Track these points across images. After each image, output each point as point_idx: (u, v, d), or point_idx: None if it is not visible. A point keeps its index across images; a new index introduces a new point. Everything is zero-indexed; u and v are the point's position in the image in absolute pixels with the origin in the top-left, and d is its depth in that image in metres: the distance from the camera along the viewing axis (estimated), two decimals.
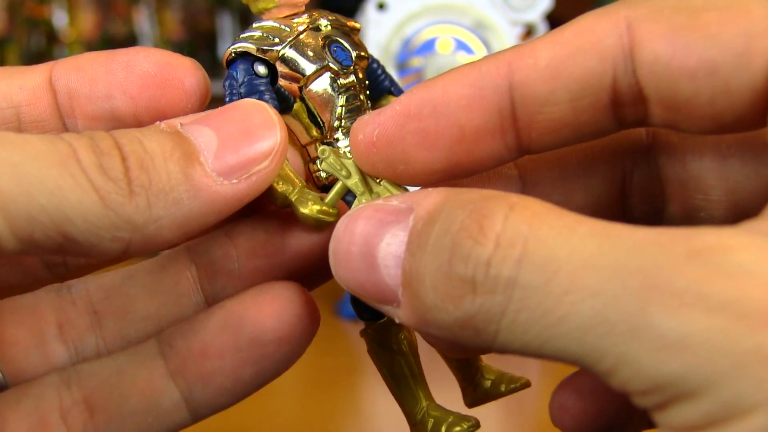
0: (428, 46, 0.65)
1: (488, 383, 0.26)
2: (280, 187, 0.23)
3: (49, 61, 0.25)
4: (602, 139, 0.24)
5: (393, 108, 0.23)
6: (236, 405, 0.25)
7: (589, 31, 0.21)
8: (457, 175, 0.23)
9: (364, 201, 0.23)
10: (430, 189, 0.20)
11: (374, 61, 0.28)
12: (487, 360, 0.27)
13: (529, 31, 0.65)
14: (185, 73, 0.24)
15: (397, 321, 0.20)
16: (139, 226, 0.20)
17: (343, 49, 0.25)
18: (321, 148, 0.24)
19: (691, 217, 0.24)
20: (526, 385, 0.26)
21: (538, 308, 0.17)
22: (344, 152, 0.24)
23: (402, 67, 0.67)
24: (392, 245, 0.20)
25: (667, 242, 0.17)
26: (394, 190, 0.23)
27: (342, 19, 0.26)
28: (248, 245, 0.25)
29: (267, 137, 0.22)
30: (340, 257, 0.21)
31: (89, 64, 0.24)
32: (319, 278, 0.26)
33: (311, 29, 0.25)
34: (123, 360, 0.24)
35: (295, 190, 0.23)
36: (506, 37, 0.64)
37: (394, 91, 0.28)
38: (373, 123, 0.23)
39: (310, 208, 0.23)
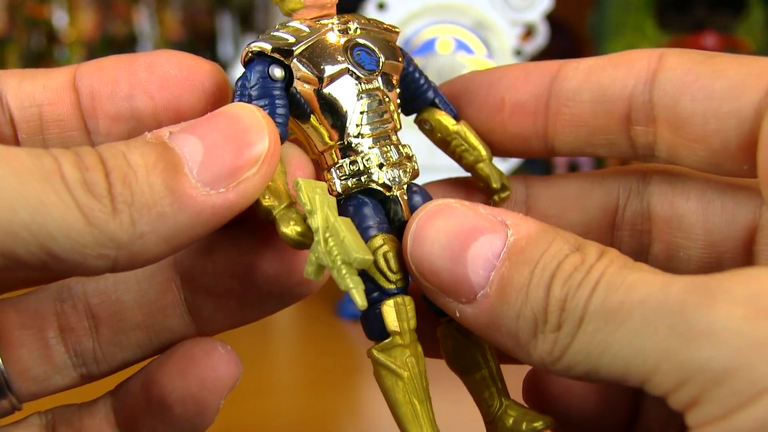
0: (428, 46, 0.65)
1: (510, 420, 0.25)
2: (266, 201, 0.23)
3: (49, 61, 0.25)
4: (603, 170, 0.28)
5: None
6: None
7: (628, 54, 0.25)
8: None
9: (317, 240, 0.22)
10: (518, 214, 0.22)
11: (415, 68, 0.27)
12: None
13: (529, 31, 0.65)
14: (205, 75, 0.24)
15: (456, 315, 0.21)
16: (124, 243, 0.19)
17: (368, 53, 0.25)
18: (294, 180, 0.23)
19: (672, 257, 0.27)
20: (550, 425, 0.25)
21: (602, 342, 0.20)
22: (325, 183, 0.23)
23: None
24: (487, 250, 0.21)
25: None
26: (346, 246, 0.22)
27: (378, 23, 0.26)
28: (222, 263, 0.25)
29: (255, 143, 0.21)
30: (422, 239, 0.22)
31: (112, 65, 0.24)
32: (291, 299, 0.26)
33: (339, 31, 0.24)
34: (85, 409, 0.26)
35: (281, 207, 0.23)
36: (506, 37, 0.64)
37: (439, 102, 0.28)
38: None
39: (291, 228, 0.22)
